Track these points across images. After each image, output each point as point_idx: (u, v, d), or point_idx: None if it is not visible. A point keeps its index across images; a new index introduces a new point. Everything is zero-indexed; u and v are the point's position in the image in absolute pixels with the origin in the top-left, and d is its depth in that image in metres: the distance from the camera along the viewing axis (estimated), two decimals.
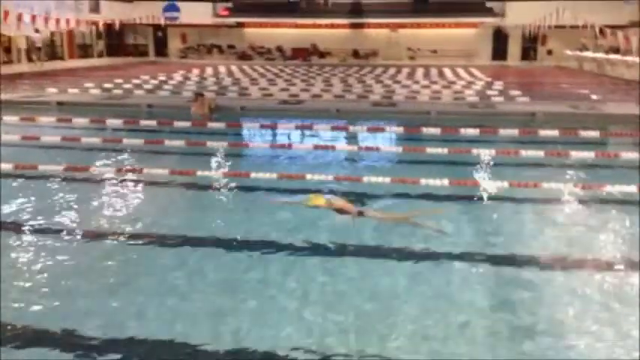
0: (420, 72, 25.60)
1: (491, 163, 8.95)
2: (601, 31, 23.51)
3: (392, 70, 26.49)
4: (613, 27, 28.77)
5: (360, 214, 6.30)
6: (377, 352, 3.83)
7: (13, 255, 5.38)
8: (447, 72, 25.68)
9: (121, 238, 5.80)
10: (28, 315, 4.28)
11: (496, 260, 5.37)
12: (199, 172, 7.90)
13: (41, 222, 6.23)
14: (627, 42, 23.05)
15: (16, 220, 6.26)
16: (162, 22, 32.51)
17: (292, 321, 4.22)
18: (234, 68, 27.71)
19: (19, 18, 24.81)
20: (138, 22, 31.62)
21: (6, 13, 23.56)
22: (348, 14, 34.72)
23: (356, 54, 35.67)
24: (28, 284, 4.79)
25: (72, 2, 29.09)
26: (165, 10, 33.91)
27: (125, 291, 4.74)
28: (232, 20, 35.57)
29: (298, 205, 6.51)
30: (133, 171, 8.24)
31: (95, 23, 28.84)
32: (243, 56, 35.54)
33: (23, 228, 6.03)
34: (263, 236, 5.86)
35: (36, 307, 4.39)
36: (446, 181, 7.50)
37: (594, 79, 23.40)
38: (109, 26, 30.76)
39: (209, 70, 25.93)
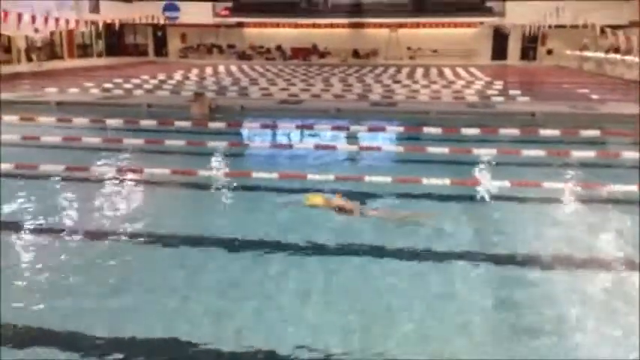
0: (419, 72, 25.63)
1: (494, 162, 8.94)
2: (602, 30, 23.50)
3: (392, 70, 26.54)
4: (613, 27, 28.89)
5: (361, 212, 6.36)
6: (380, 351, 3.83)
7: (14, 255, 5.38)
8: (447, 72, 25.71)
9: (122, 238, 5.80)
10: (29, 315, 4.28)
11: (497, 259, 5.37)
12: (201, 172, 7.89)
13: (42, 222, 6.22)
14: (628, 41, 23.02)
15: (17, 220, 6.25)
16: (161, 21, 32.50)
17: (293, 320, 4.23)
18: (233, 68, 27.73)
19: (19, 18, 24.83)
20: (138, 22, 31.59)
21: (6, 13, 23.57)
22: (348, 14, 34.66)
23: (356, 54, 35.67)
24: (28, 284, 4.80)
25: (72, 2, 29.02)
26: (165, 9, 33.93)
27: (125, 291, 4.74)
28: (232, 20, 35.54)
29: (298, 204, 6.55)
30: (134, 171, 8.22)
31: (95, 23, 28.78)
32: (243, 56, 35.53)
33: (24, 228, 6.02)
34: (264, 236, 5.85)
35: (37, 307, 4.39)
36: (447, 181, 7.53)
37: (593, 79, 23.40)
38: (108, 26, 30.77)
39: (209, 70, 25.94)
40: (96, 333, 4.00)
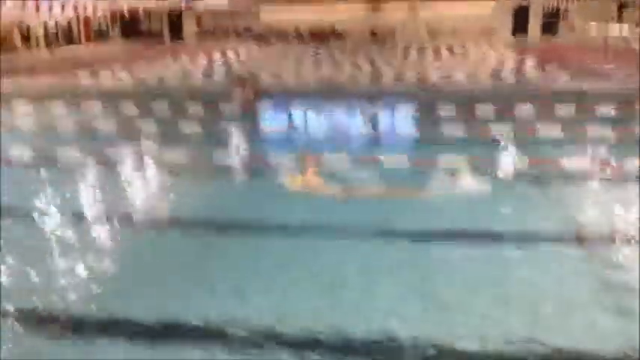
0: (444, 51, 25.30)
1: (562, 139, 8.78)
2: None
3: (415, 50, 26.13)
4: None
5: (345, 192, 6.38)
6: None
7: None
8: (473, 50, 25.39)
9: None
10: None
11: None
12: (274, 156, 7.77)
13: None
14: None
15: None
16: (182, 6, 32.23)
17: None
18: (255, 51, 27.46)
19: (37, 4, 24.69)
20: (155, 8, 31.33)
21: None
22: None
23: (374, 34, 35.26)
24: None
25: None
26: None
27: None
28: (248, 3, 35.12)
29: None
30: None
31: (116, 9, 28.54)
32: (260, 39, 35.14)
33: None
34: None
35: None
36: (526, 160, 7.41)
37: (624, 55, 23.01)
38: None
39: (231, 54, 25.65)
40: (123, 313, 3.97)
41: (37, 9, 25.26)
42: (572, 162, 7.30)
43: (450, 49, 26.17)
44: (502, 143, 8.90)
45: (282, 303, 4.22)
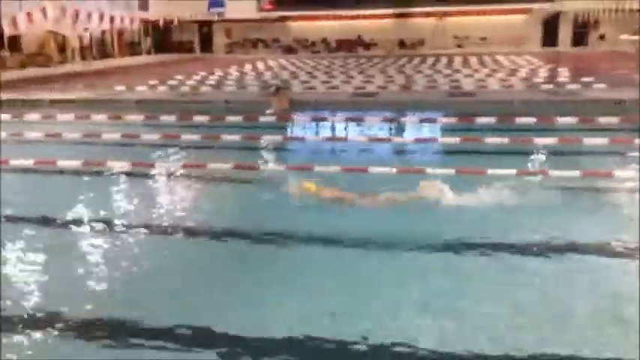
0: (474, 60, 25.20)
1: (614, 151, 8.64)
2: None
3: (444, 60, 26.11)
4: None
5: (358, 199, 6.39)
6: None
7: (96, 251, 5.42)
8: (503, 60, 25.24)
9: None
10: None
11: None
12: (317, 168, 7.77)
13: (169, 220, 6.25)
14: None
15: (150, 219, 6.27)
16: (213, 17, 32.75)
17: None
18: (283, 62, 27.67)
19: (75, 16, 25.28)
20: (189, 20, 31.89)
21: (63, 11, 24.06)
22: (393, 4, 34.25)
23: (402, 44, 35.32)
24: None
25: (123, 1, 29.27)
26: (211, 5, 34.07)
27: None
28: (276, 14, 35.51)
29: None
30: (250, 168, 8.17)
31: (149, 21, 29.13)
32: (289, 50, 35.49)
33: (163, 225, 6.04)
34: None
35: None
36: (577, 173, 7.29)
37: None
38: (156, 23, 31.08)
39: (260, 65, 25.87)
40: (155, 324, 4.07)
41: (75, 21, 25.87)
42: (624, 172, 7.18)
43: (481, 58, 26.09)
44: (546, 152, 8.86)
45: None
